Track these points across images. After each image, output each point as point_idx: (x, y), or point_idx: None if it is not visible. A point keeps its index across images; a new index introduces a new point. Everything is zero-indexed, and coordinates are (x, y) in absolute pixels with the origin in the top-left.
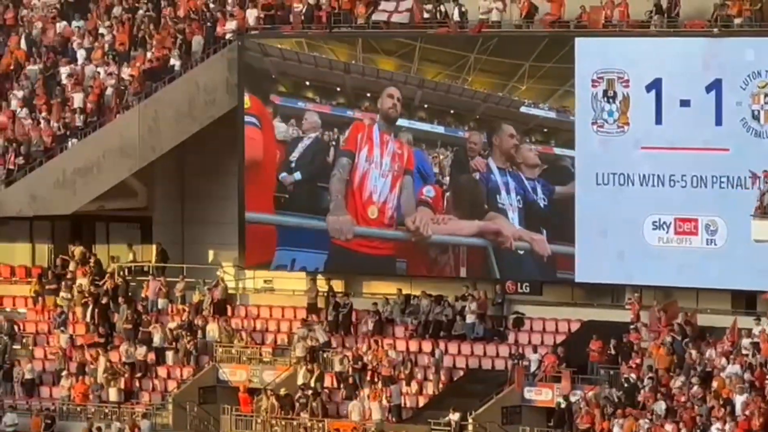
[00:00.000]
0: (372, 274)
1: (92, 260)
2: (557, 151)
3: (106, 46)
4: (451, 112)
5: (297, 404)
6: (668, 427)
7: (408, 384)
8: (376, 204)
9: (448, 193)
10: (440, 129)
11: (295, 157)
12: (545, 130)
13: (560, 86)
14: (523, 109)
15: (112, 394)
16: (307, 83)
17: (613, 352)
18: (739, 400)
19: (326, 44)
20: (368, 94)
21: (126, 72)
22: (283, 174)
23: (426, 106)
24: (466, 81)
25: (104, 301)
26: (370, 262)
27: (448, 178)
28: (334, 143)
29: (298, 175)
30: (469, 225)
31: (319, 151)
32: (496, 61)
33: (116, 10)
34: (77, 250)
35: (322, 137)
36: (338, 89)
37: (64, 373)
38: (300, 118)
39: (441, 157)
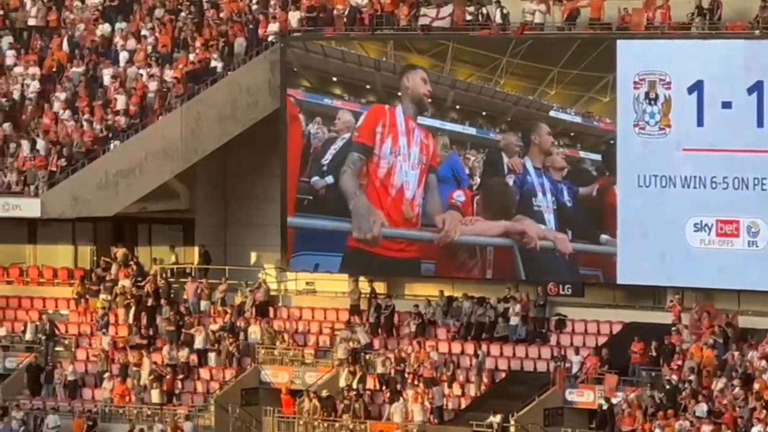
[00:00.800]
0: (395, 275)
1: (134, 262)
2: (582, 154)
3: (149, 48)
4: (483, 113)
5: (339, 406)
6: (709, 428)
7: (450, 386)
8: (408, 201)
9: (477, 197)
10: (472, 130)
11: (327, 160)
12: (572, 134)
13: (586, 92)
14: (551, 113)
15: (155, 396)
16: (334, 79)
17: (654, 353)
18: None
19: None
20: (399, 93)
21: (168, 74)
22: (315, 178)
23: (458, 107)
24: (498, 83)
25: (146, 303)
26: (394, 266)
27: (478, 180)
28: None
29: (330, 179)
30: (496, 225)
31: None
32: (527, 65)
33: (158, 12)
34: (119, 251)
35: (352, 136)
36: (368, 86)
37: (107, 374)
38: (327, 115)
39: (472, 158)
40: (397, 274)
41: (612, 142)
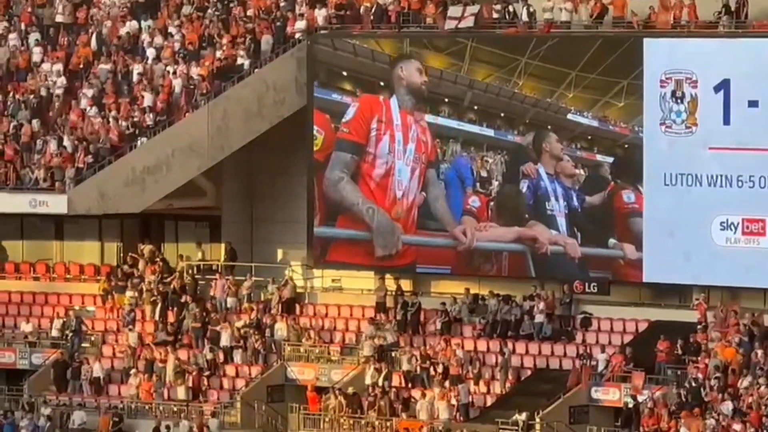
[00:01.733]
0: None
1: (160, 259)
2: (599, 157)
3: (176, 45)
4: (501, 115)
5: (365, 403)
6: (736, 427)
7: (476, 383)
8: (401, 204)
9: (492, 203)
10: (489, 132)
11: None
12: (589, 137)
13: (602, 96)
14: (569, 116)
15: (181, 393)
16: (344, 73)
17: (680, 352)
18: None
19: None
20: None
21: (195, 71)
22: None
23: (476, 107)
24: (517, 85)
25: (173, 299)
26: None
27: (496, 183)
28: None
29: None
30: (509, 231)
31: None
32: (545, 67)
33: (186, 9)
34: (146, 248)
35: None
36: (381, 84)
37: (132, 371)
38: (335, 112)
39: (490, 161)
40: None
41: (626, 146)
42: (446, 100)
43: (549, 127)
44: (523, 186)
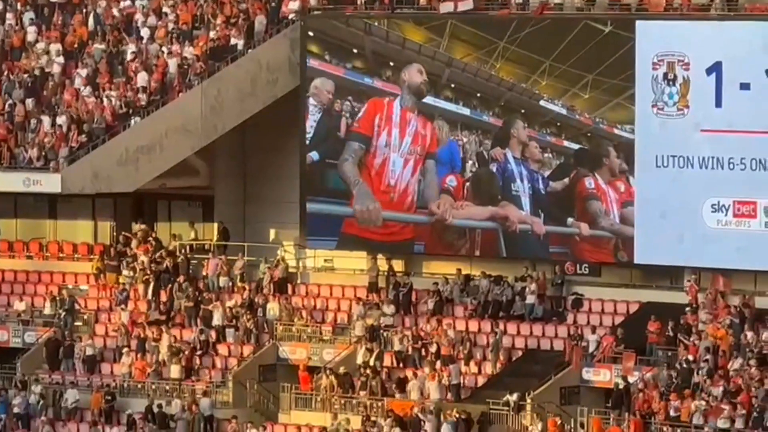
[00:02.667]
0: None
1: (153, 238)
2: (566, 143)
3: (170, 25)
4: (478, 95)
5: (356, 383)
6: (725, 408)
7: (467, 363)
8: (394, 190)
9: (467, 183)
10: (465, 111)
11: (310, 134)
12: (558, 124)
13: (571, 87)
14: (542, 102)
15: (173, 372)
16: (310, 33)
17: (671, 333)
18: None
19: None
20: (391, 63)
21: (189, 51)
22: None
23: (453, 85)
24: (494, 67)
25: (165, 279)
26: (386, 248)
27: (470, 164)
28: (347, 115)
29: (315, 155)
30: (483, 210)
31: (333, 125)
32: (522, 53)
33: None
34: (139, 227)
35: (332, 107)
36: (355, 51)
37: (125, 350)
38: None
39: (464, 140)
40: (390, 252)
41: (589, 135)
42: (425, 88)
43: (522, 111)
44: (493, 167)
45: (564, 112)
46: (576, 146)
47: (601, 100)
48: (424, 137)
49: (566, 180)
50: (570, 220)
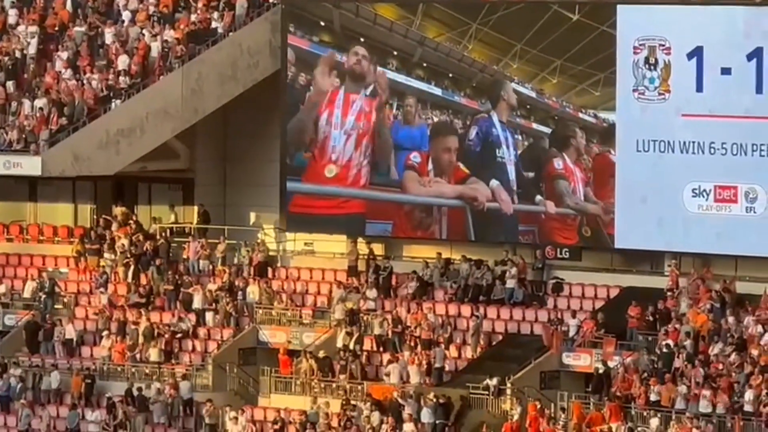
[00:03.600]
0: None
1: (133, 221)
2: (534, 126)
3: (151, 8)
4: (450, 75)
5: (336, 366)
6: (705, 393)
7: (447, 348)
8: (337, 163)
9: (431, 157)
10: (437, 91)
11: None
12: (528, 106)
13: (540, 71)
14: (513, 84)
15: (153, 355)
16: (322, 23)
17: (651, 318)
18: None
19: None
20: (361, 39)
21: (170, 34)
22: None
23: (425, 65)
24: (467, 48)
25: (145, 262)
26: (335, 223)
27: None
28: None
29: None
30: (452, 189)
31: (297, 99)
32: (494, 35)
33: None
34: (119, 210)
35: (297, 78)
36: (322, 24)
37: (105, 333)
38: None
39: (435, 120)
40: (341, 231)
41: (556, 118)
42: (395, 53)
43: (502, 93)
44: (472, 132)
45: (533, 95)
46: (545, 129)
47: (568, 86)
48: (367, 114)
49: (540, 159)
50: (538, 197)
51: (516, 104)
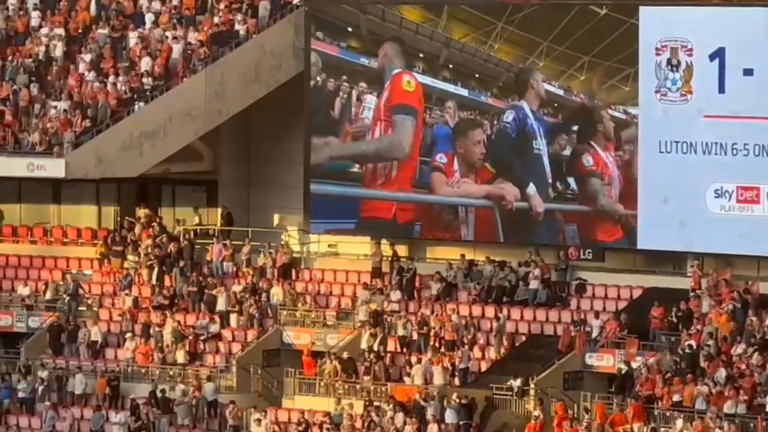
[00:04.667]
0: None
1: (157, 223)
2: (563, 123)
3: (173, 10)
4: (476, 76)
5: (360, 368)
6: (728, 393)
7: (470, 349)
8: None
9: (457, 157)
10: (464, 91)
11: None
12: (555, 104)
13: (567, 68)
14: (540, 79)
15: (178, 357)
16: (350, 29)
17: (674, 319)
18: None
19: None
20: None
21: (193, 36)
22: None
23: (451, 66)
24: (492, 48)
25: (169, 264)
26: (399, 230)
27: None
28: (344, 95)
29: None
30: (479, 189)
31: (324, 103)
32: (520, 34)
33: None
34: (143, 212)
35: (325, 84)
36: (349, 29)
37: (129, 335)
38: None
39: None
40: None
41: (584, 115)
42: (421, 55)
43: (531, 81)
44: (509, 116)
45: (561, 93)
46: (574, 126)
47: (596, 82)
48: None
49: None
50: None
51: (544, 94)
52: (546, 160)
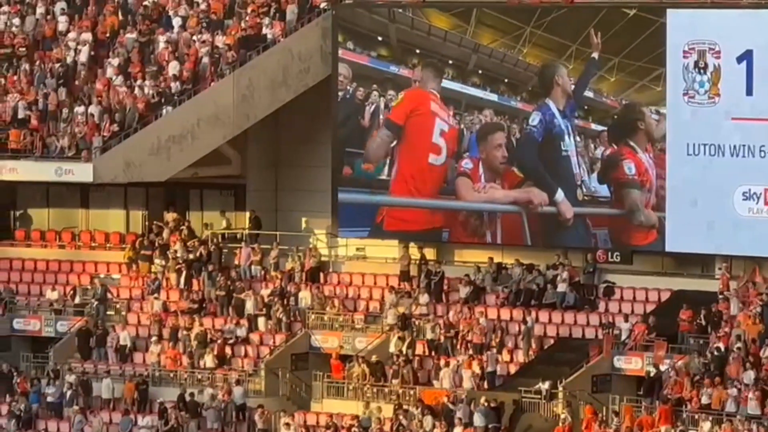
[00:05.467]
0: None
1: (185, 227)
2: (593, 126)
3: (201, 14)
4: (505, 80)
5: (388, 371)
6: (756, 396)
7: (499, 352)
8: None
9: (482, 162)
10: (493, 97)
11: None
12: (586, 107)
13: (597, 71)
14: (569, 81)
15: (206, 360)
16: (379, 38)
17: (702, 321)
18: None
19: None
20: (417, 51)
21: (220, 40)
22: None
23: (480, 71)
24: (521, 52)
25: (197, 268)
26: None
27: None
28: (372, 104)
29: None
30: (505, 194)
31: (353, 112)
32: (549, 37)
33: None
34: (171, 216)
35: (354, 93)
36: (380, 39)
37: (155, 338)
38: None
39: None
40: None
41: (615, 117)
42: (450, 62)
43: (556, 78)
44: (535, 118)
45: (590, 95)
46: (602, 128)
47: (627, 82)
48: (452, 129)
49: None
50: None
51: (571, 91)
52: (575, 161)
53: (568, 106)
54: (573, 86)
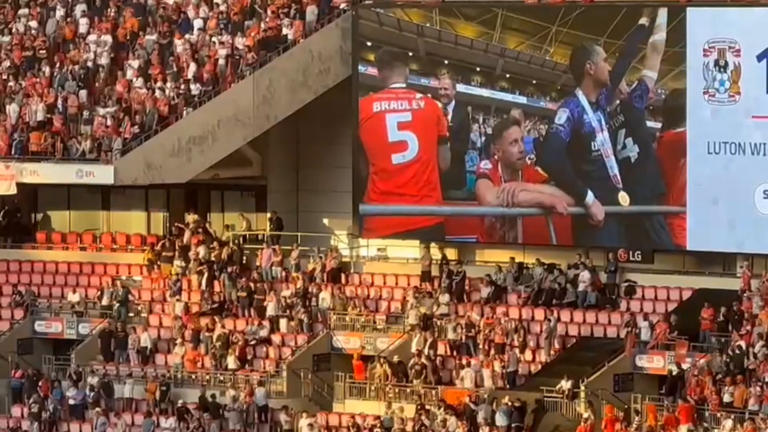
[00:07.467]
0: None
1: (204, 228)
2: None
3: (221, 15)
4: (533, 82)
5: (410, 371)
6: None
7: (521, 351)
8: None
9: (500, 162)
10: (522, 99)
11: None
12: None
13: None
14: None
15: (228, 362)
16: (368, 44)
17: (724, 320)
18: None
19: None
20: (446, 62)
21: (240, 42)
22: None
23: (507, 75)
24: (548, 52)
25: (219, 269)
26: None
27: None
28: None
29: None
30: (529, 197)
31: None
32: (575, 34)
33: None
34: (192, 218)
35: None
36: (410, 54)
37: (179, 340)
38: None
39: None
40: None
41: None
42: (478, 69)
43: (587, 66)
44: (562, 116)
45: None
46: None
47: (664, 70)
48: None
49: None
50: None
51: (606, 78)
52: (611, 161)
53: (602, 95)
54: (609, 70)
